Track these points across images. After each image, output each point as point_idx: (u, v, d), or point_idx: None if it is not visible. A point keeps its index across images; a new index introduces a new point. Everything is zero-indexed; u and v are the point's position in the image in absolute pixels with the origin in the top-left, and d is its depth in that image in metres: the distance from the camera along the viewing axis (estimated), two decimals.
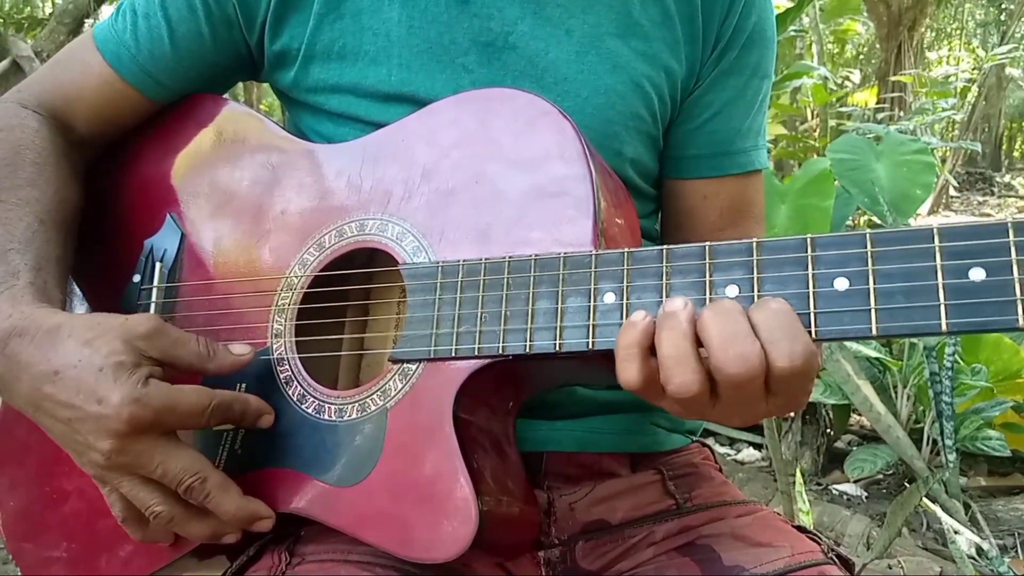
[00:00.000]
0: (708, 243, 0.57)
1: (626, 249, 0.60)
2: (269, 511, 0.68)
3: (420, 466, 0.64)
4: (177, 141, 0.87)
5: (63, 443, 0.65)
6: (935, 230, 0.51)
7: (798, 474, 1.94)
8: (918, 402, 2.57)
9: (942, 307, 0.49)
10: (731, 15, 0.86)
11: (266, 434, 0.71)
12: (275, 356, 0.74)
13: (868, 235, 0.52)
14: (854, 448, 2.73)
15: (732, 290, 0.56)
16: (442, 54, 0.80)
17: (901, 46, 8.34)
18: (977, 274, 0.49)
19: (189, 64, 0.86)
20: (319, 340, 0.75)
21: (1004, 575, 1.51)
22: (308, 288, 0.74)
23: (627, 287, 0.59)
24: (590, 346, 0.60)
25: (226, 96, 0.90)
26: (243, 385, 0.73)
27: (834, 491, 2.57)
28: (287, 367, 0.73)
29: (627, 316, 0.58)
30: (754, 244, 0.56)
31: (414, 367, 0.67)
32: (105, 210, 0.88)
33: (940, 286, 0.50)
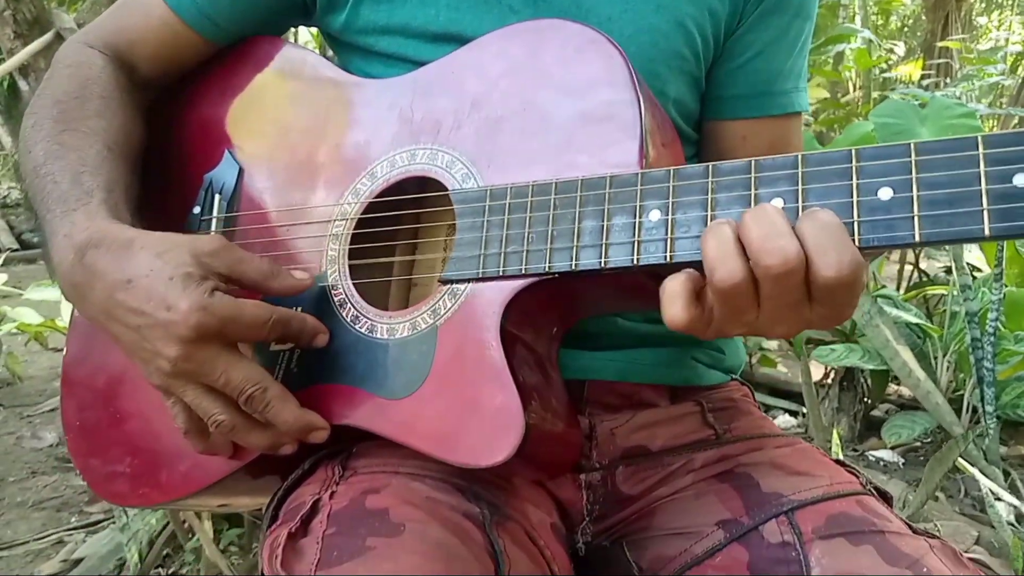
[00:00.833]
0: (754, 158, 0.59)
1: (672, 167, 0.62)
2: (324, 422, 0.71)
3: (469, 379, 0.67)
4: (235, 81, 0.90)
5: (131, 352, 0.69)
6: (979, 138, 0.51)
7: (835, 437, 1.93)
8: (958, 369, 2.54)
9: (985, 212, 0.50)
10: None
11: (320, 353, 0.74)
12: (329, 281, 0.77)
13: (912, 144, 0.53)
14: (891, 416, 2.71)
15: (777, 202, 0.57)
16: None
17: (948, 16, 8.10)
18: (1021, 180, 0.50)
19: (246, 7, 0.89)
20: (371, 265, 0.78)
21: None
22: (362, 216, 0.77)
23: (672, 203, 0.61)
24: (635, 262, 0.62)
25: (282, 38, 0.92)
26: (299, 308, 0.77)
27: (871, 457, 2.56)
28: (341, 291, 0.76)
29: (672, 232, 0.60)
30: (799, 157, 0.57)
31: (463, 288, 0.69)
32: (166, 147, 0.91)
33: (983, 192, 0.50)
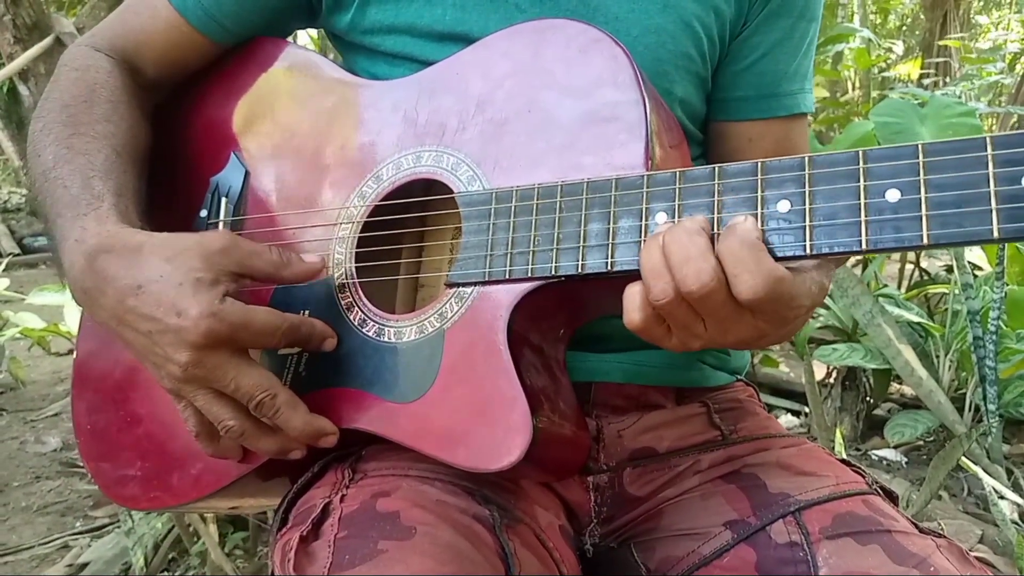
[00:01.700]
0: (760, 160, 0.59)
1: (678, 169, 0.62)
2: (333, 427, 0.72)
3: (476, 382, 0.67)
4: (240, 82, 0.90)
5: (143, 357, 0.69)
6: (988, 139, 0.51)
7: (838, 436, 1.94)
8: (960, 368, 2.54)
9: (994, 213, 0.50)
10: None
11: (328, 356, 0.75)
12: (336, 284, 0.77)
13: (920, 146, 0.53)
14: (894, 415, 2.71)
15: (784, 205, 0.57)
16: None
17: (947, 15, 8.11)
18: None
19: (251, 8, 0.89)
20: (378, 267, 0.78)
21: None
22: (367, 219, 0.77)
23: (679, 205, 0.61)
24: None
25: (287, 39, 0.93)
26: (307, 312, 0.77)
27: (873, 456, 2.56)
28: (348, 294, 0.76)
29: None
30: (806, 159, 0.57)
31: (470, 291, 0.69)
32: (172, 149, 0.91)
33: (992, 193, 0.50)
